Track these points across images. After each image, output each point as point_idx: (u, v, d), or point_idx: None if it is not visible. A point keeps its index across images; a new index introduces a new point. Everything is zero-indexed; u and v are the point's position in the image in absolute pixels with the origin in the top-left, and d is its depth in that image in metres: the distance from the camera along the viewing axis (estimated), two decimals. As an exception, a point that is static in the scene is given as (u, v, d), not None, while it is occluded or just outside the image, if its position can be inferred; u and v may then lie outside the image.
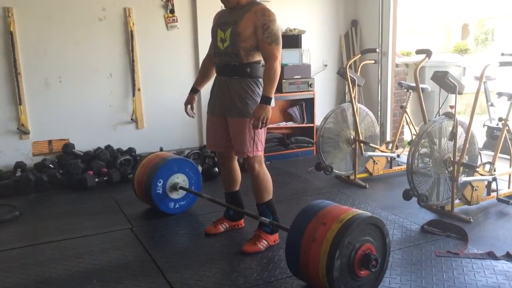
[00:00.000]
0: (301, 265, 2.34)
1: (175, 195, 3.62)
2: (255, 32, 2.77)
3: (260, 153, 2.94)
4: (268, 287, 2.52)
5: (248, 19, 2.77)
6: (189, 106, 3.21)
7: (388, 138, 5.55)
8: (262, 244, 2.94)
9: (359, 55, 4.73)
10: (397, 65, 5.76)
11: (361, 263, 2.28)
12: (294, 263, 2.39)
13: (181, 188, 3.61)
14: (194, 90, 3.24)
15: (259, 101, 2.80)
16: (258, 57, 2.87)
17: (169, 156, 3.68)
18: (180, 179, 3.62)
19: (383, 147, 4.64)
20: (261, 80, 2.89)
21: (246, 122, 2.84)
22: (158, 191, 3.52)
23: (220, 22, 2.93)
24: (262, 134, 2.93)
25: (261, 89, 2.85)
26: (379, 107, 5.67)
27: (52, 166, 4.53)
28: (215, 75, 3.08)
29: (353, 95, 4.34)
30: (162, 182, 3.53)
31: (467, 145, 3.48)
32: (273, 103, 2.99)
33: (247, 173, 3.03)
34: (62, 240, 3.19)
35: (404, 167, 4.13)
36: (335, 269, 2.18)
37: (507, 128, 3.74)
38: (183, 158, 3.83)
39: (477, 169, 3.55)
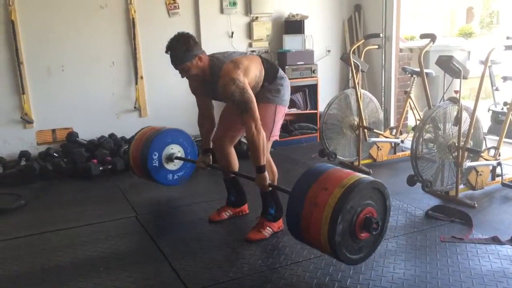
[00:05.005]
0: (302, 230, 2.34)
1: (171, 166, 3.63)
2: None
3: (271, 139, 2.96)
4: (273, 273, 2.53)
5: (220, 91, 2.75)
6: (202, 164, 3.27)
7: (392, 124, 5.53)
8: (267, 231, 2.94)
9: (363, 40, 4.69)
10: (401, 50, 5.72)
11: (363, 227, 2.28)
12: (296, 227, 2.39)
13: (177, 158, 3.60)
14: (206, 151, 3.26)
15: (284, 85, 2.94)
16: (260, 78, 2.88)
17: (161, 128, 3.67)
18: (175, 149, 3.61)
19: (387, 133, 4.63)
20: (279, 75, 2.94)
21: (270, 107, 2.91)
22: (154, 164, 3.52)
23: (207, 94, 3.02)
24: (278, 122, 2.97)
25: (282, 81, 2.94)
26: (383, 93, 5.64)
27: (56, 155, 4.54)
28: (215, 128, 3.19)
29: (356, 81, 4.32)
30: (157, 154, 3.52)
31: (472, 130, 3.46)
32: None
33: (249, 160, 2.99)
34: (68, 229, 3.22)
35: (408, 152, 4.13)
36: (337, 234, 2.18)
37: (512, 112, 3.72)
38: (176, 129, 3.77)
39: (482, 154, 3.54)
